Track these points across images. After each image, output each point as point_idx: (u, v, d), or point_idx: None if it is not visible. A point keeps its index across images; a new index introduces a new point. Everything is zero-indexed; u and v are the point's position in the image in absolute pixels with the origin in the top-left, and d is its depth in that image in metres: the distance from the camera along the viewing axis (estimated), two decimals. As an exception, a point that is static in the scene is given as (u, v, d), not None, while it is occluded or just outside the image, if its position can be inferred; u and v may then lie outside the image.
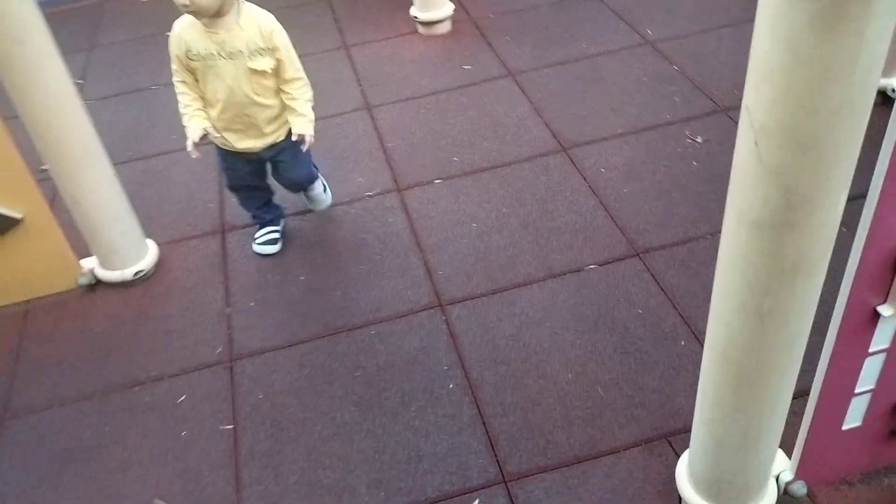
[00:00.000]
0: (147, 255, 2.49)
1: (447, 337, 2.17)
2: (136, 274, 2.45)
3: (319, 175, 2.55)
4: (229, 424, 2.01)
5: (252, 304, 2.37)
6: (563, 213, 2.55)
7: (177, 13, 2.08)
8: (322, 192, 2.59)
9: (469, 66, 3.42)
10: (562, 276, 2.32)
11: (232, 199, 2.76)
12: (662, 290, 2.22)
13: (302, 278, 2.43)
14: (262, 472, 1.89)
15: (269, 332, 2.26)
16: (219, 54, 2.08)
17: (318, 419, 2.00)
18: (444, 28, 3.71)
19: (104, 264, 2.45)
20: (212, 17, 2.03)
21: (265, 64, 2.11)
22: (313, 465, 1.89)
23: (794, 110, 0.96)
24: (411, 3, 3.69)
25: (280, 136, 2.27)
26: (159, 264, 2.53)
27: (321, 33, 3.83)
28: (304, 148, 2.25)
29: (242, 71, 2.11)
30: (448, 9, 3.67)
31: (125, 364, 2.22)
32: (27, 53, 1.98)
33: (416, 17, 3.68)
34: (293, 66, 2.17)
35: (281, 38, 2.13)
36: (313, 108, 2.26)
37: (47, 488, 1.91)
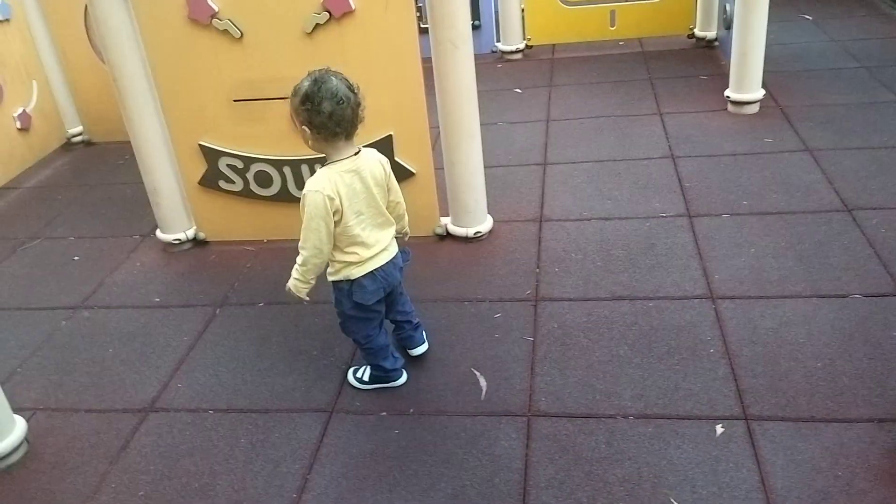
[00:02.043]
0: (486, 223, 3.27)
1: (714, 319, 2.63)
2: (476, 233, 3.24)
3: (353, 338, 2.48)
4: (530, 337, 2.65)
5: (556, 269, 3.02)
6: (836, 254, 2.89)
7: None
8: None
9: (770, 140, 3.88)
10: (827, 298, 2.66)
11: (551, 202, 3.50)
12: (922, 323, 2.48)
13: (599, 264, 3.03)
14: (551, 369, 2.48)
15: (567, 289, 2.89)
16: None
17: (597, 348, 2.55)
18: (752, 109, 4.21)
19: (455, 222, 3.27)
20: None
21: None
22: (590, 374, 2.44)
23: None
24: (725, 87, 4.27)
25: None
26: (492, 232, 3.30)
27: (641, 102, 4.52)
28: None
29: None
30: (759, 93, 4.17)
31: (459, 287, 2.97)
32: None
33: (728, 97, 4.23)
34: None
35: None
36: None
37: (399, 349, 2.67)
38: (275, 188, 3.29)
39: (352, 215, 2.19)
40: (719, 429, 2.18)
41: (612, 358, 2.51)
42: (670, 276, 2.89)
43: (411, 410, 2.39)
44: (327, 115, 2.10)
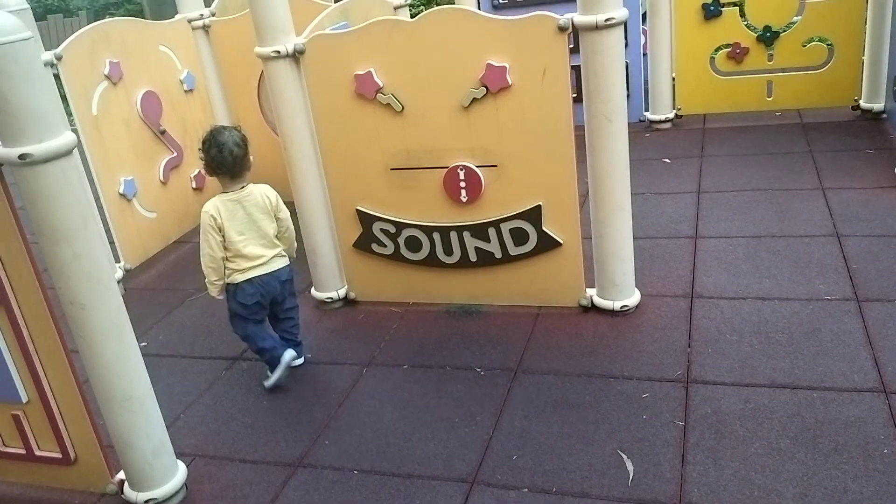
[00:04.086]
0: (633, 296, 3.20)
1: (887, 415, 2.41)
2: (623, 307, 3.17)
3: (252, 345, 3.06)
4: (681, 421, 2.53)
5: (709, 350, 2.89)
6: None
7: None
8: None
9: (950, 220, 3.58)
10: None
11: (703, 277, 3.38)
12: None
13: (757, 347, 2.87)
14: (704, 458, 2.35)
15: (721, 372, 2.75)
16: None
17: (755, 439, 2.40)
18: (928, 186, 3.91)
19: (601, 294, 3.22)
20: None
21: None
22: (747, 467, 2.29)
23: None
24: (895, 162, 4.00)
25: None
26: (640, 307, 3.22)
27: (800, 176, 4.31)
28: None
29: None
30: (936, 169, 3.88)
31: (604, 362, 2.91)
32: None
33: (899, 172, 3.97)
34: None
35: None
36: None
37: (541, 424, 2.63)
38: (423, 253, 3.39)
39: (234, 233, 2.86)
40: (898, 542, 1.98)
41: (771, 451, 2.34)
42: (837, 365, 2.69)
43: (554, 489, 2.33)
44: (212, 158, 2.84)
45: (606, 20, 2.75)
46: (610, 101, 2.88)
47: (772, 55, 5.17)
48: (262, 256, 2.91)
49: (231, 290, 2.94)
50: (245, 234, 2.87)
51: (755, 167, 4.51)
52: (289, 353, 3.01)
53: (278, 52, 3.17)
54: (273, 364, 3.01)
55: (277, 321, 3.10)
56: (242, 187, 2.89)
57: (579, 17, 2.80)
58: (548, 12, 2.84)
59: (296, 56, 3.20)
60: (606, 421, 2.59)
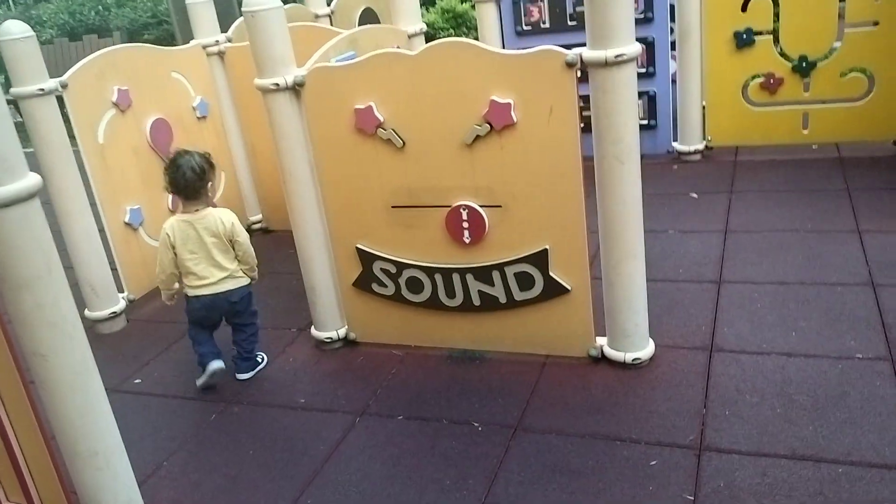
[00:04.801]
0: (646, 348, 2.98)
1: (923, 500, 2.16)
2: (634, 360, 2.96)
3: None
4: (690, 496, 2.31)
5: (727, 413, 2.66)
6: None
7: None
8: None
9: None
10: None
11: (724, 328, 3.15)
12: None
13: (778, 411, 2.64)
14: (713, 541, 2.13)
15: (738, 439, 2.52)
16: None
17: (771, 521, 2.17)
18: (976, 231, 3.62)
19: (611, 345, 3.01)
20: None
21: None
22: (760, 554, 2.06)
23: None
24: (941, 202, 3.72)
25: None
26: (653, 359, 3.00)
27: (836, 216, 4.05)
28: None
29: None
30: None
31: (611, 422, 2.69)
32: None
33: (944, 215, 3.68)
34: None
35: None
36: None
37: (537, 492, 2.43)
38: (425, 294, 3.22)
39: (186, 252, 3.08)
40: None
41: (788, 536, 2.11)
42: (866, 436, 2.44)
43: (545, 569, 2.13)
44: (169, 180, 3.09)
45: (617, 56, 2.57)
46: (621, 142, 2.69)
47: (808, 85, 4.92)
48: (208, 277, 3.11)
49: (185, 298, 3.22)
50: (196, 253, 3.09)
51: (787, 205, 4.26)
52: (213, 364, 3.20)
53: (277, 84, 3.05)
54: (202, 367, 3.23)
55: (233, 332, 3.32)
56: (197, 210, 3.09)
57: (588, 53, 2.63)
58: (555, 47, 2.67)
59: (296, 88, 3.08)
60: (608, 492, 2.38)
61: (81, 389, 2.16)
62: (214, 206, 3.22)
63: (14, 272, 2.00)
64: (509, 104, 2.76)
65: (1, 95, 1.96)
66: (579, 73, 2.67)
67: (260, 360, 3.41)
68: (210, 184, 3.15)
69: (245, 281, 3.22)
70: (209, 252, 3.10)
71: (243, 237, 3.16)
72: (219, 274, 3.12)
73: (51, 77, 3.65)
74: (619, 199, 2.77)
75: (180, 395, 3.31)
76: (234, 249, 3.16)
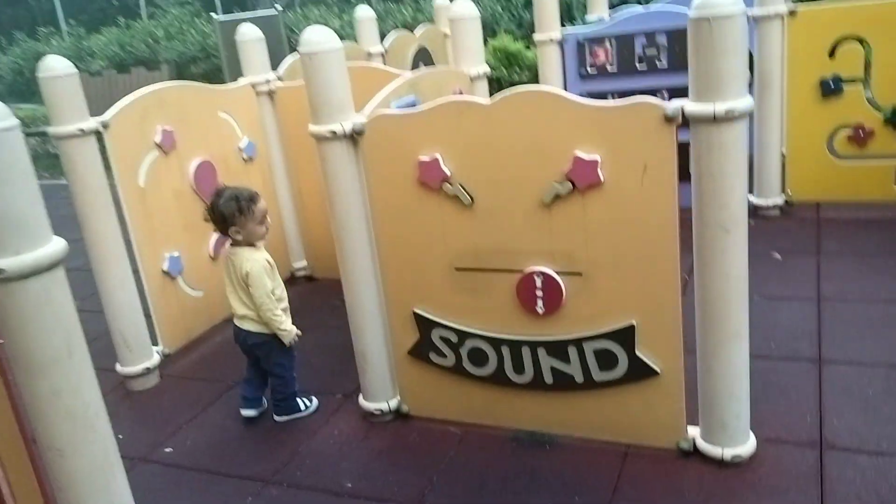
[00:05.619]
0: (747, 443, 2.58)
1: None
2: (734, 458, 2.56)
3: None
4: None
5: (850, 530, 2.24)
6: None
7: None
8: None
9: None
10: None
11: (833, 419, 2.73)
12: None
13: (910, 526, 2.22)
14: None
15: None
16: None
17: None
18: None
19: (706, 437, 2.62)
20: None
21: None
22: None
23: None
24: None
25: None
26: (754, 456, 2.60)
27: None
28: None
29: None
30: None
31: (712, 536, 2.30)
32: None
33: None
34: None
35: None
36: None
37: None
38: (489, 368, 2.87)
39: (226, 280, 3.13)
40: None
41: None
42: None
43: None
44: (207, 210, 3.10)
45: (727, 111, 2.23)
46: (728, 208, 2.34)
47: (902, 138, 4.51)
48: (236, 310, 3.13)
49: None
50: (230, 285, 3.12)
51: (886, 272, 3.83)
52: (243, 412, 3.26)
53: (334, 132, 2.77)
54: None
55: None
56: (232, 244, 3.09)
57: (692, 106, 2.29)
58: (652, 99, 2.34)
59: (353, 137, 2.79)
60: None
61: (103, 489, 1.85)
62: (252, 245, 3.10)
63: (29, 355, 1.71)
64: (596, 161, 2.43)
65: (21, 149, 1.68)
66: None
67: (303, 407, 3.28)
68: (243, 223, 3.03)
69: (264, 329, 3.11)
70: (235, 287, 3.11)
71: (257, 291, 3.03)
72: (241, 310, 3.11)
73: (94, 113, 3.43)
74: (723, 272, 2.40)
75: (213, 470, 2.98)
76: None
